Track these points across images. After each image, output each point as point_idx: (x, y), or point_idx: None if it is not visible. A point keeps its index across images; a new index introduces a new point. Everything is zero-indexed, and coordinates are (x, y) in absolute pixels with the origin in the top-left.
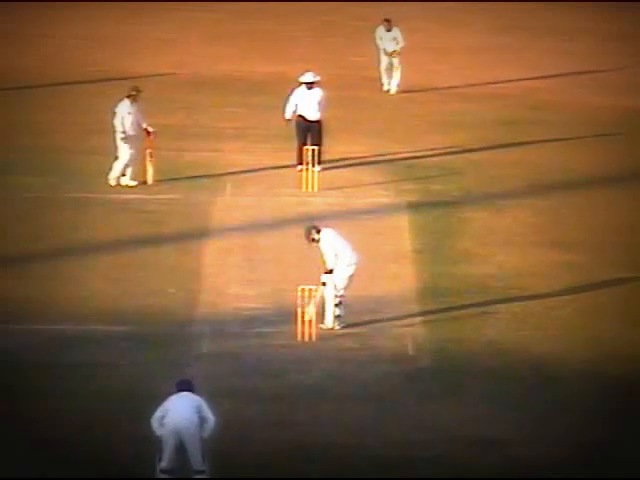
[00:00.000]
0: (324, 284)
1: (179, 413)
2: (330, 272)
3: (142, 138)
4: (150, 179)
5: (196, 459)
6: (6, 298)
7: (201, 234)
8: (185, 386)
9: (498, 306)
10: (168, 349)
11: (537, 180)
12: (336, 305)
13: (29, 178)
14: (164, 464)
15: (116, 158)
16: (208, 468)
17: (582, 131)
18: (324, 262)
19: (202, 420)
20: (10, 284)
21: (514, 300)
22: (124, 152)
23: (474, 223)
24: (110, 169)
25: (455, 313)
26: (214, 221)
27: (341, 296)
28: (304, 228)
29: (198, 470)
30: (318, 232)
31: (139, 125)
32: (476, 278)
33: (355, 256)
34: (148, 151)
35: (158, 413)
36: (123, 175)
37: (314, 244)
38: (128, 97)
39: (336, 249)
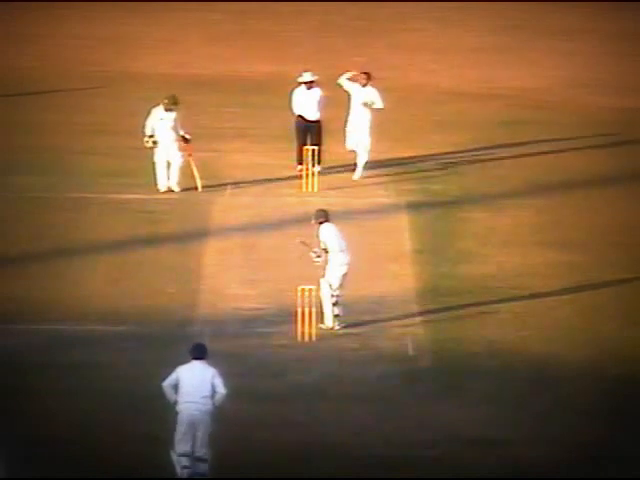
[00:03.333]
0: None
1: (194, 401)
2: (325, 251)
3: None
4: (199, 185)
5: (202, 446)
6: (6, 298)
7: (201, 234)
8: (199, 353)
9: (498, 306)
10: (168, 349)
11: (537, 180)
12: (333, 305)
13: (29, 178)
14: (180, 448)
15: (153, 164)
16: (210, 457)
17: (582, 131)
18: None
19: (214, 392)
20: (10, 284)
21: (514, 300)
22: (157, 157)
23: (474, 223)
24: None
25: (455, 313)
26: (214, 221)
27: (337, 296)
28: (316, 210)
29: (201, 458)
30: (321, 223)
31: (175, 132)
32: (476, 278)
33: (347, 256)
34: (187, 155)
35: (170, 381)
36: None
37: (315, 225)
38: (163, 104)
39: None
